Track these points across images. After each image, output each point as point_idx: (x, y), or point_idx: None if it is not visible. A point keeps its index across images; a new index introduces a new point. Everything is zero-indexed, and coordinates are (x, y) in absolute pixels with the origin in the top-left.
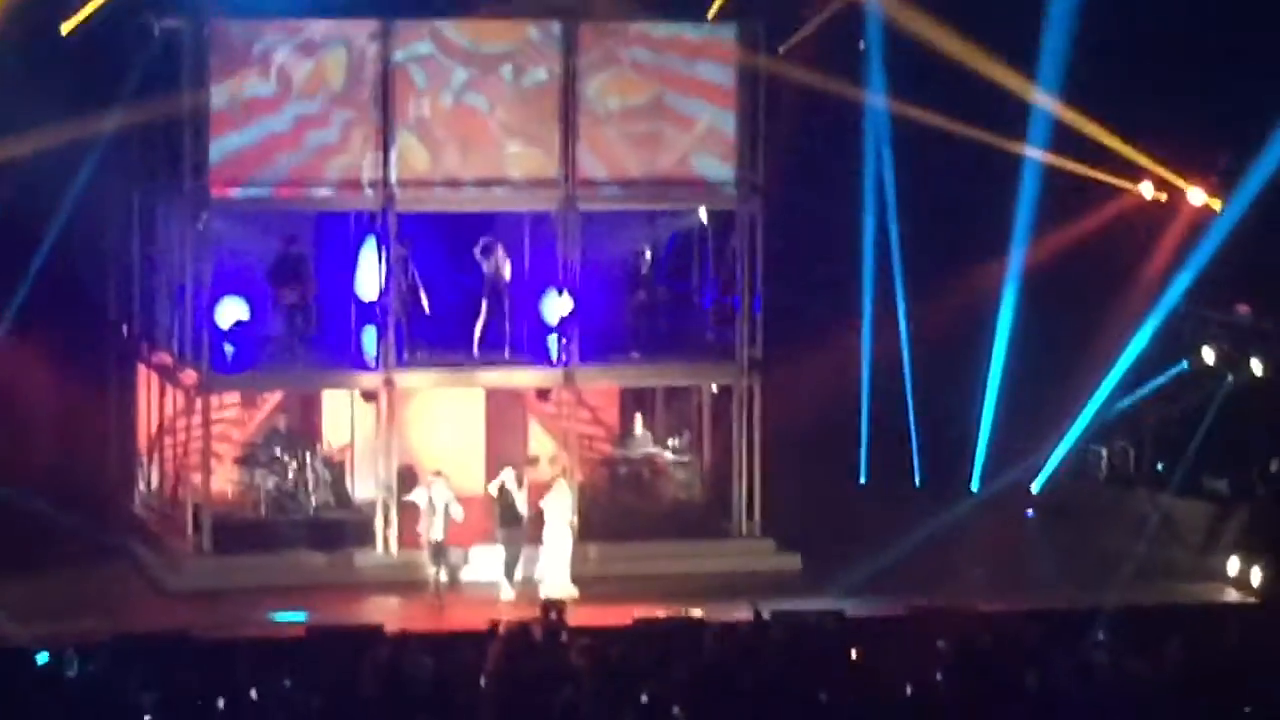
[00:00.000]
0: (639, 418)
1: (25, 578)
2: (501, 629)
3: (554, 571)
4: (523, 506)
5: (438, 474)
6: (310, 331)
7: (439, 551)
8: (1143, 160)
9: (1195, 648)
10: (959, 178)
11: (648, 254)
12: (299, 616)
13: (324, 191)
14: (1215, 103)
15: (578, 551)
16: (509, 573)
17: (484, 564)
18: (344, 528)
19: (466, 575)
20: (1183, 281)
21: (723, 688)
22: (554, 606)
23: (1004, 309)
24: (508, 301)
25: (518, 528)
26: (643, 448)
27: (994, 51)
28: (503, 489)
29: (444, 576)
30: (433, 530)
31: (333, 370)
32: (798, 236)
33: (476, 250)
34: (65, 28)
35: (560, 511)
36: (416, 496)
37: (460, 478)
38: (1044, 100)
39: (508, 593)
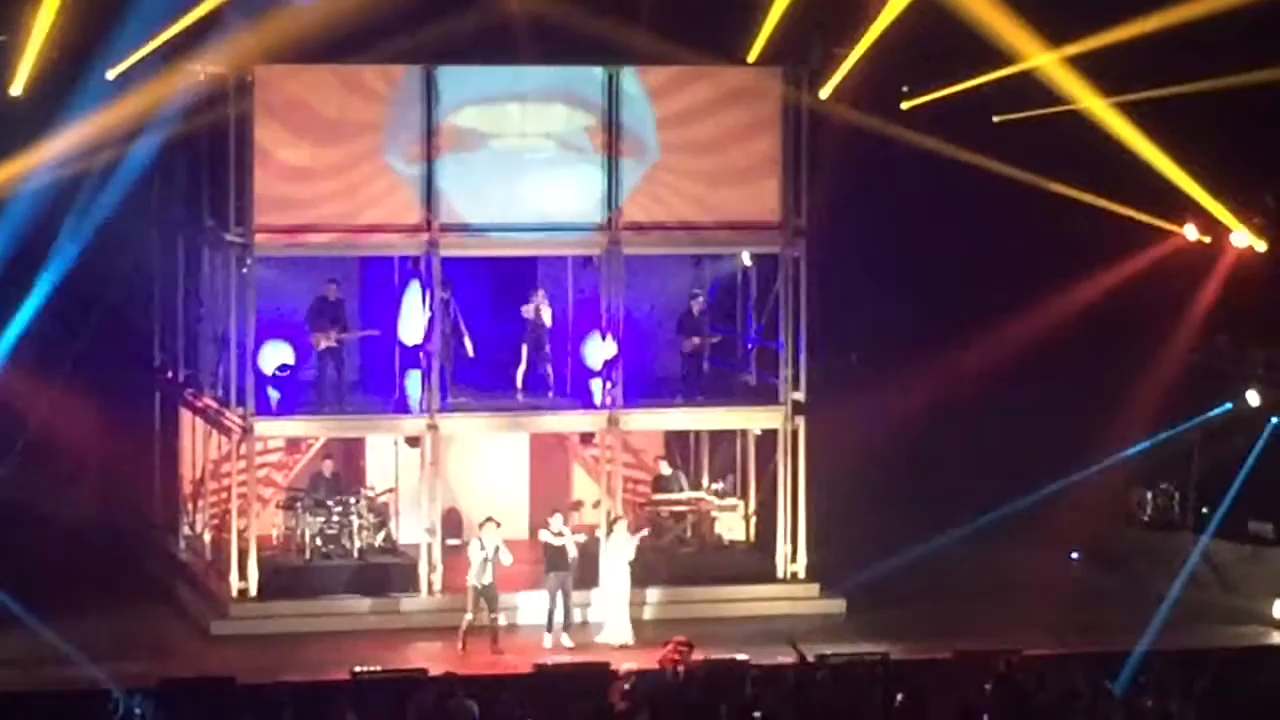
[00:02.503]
0: (663, 461)
1: (70, 621)
2: (623, 671)
3: (613, 616)
4: (572, 551)
5: (490, 520)
6: (342, 377)
7: (484, 596)
8: (1191, 198)
9: (1238, 690)
10: (1003, 219)
11: (701, 298)
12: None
13: (368, 237)
14: (1263, 143)
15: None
16: (551, 620)
17: (530, 609)
18: (388, 572)
19: (511, 620)
20: None
21: None
22: (686, 646)
23: (1047, 349)
24: (548, 346)
25: (565, 574)
26: (678, 490)
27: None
28: (552, 536)
29: (501, 620)
30: (481, 575)
31: (377, 415)
32: (841, 279)
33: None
34: (111, 73)
35: (620, 556)
36: (469, 545)
37: (505, 522)
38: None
39: (565, 640)
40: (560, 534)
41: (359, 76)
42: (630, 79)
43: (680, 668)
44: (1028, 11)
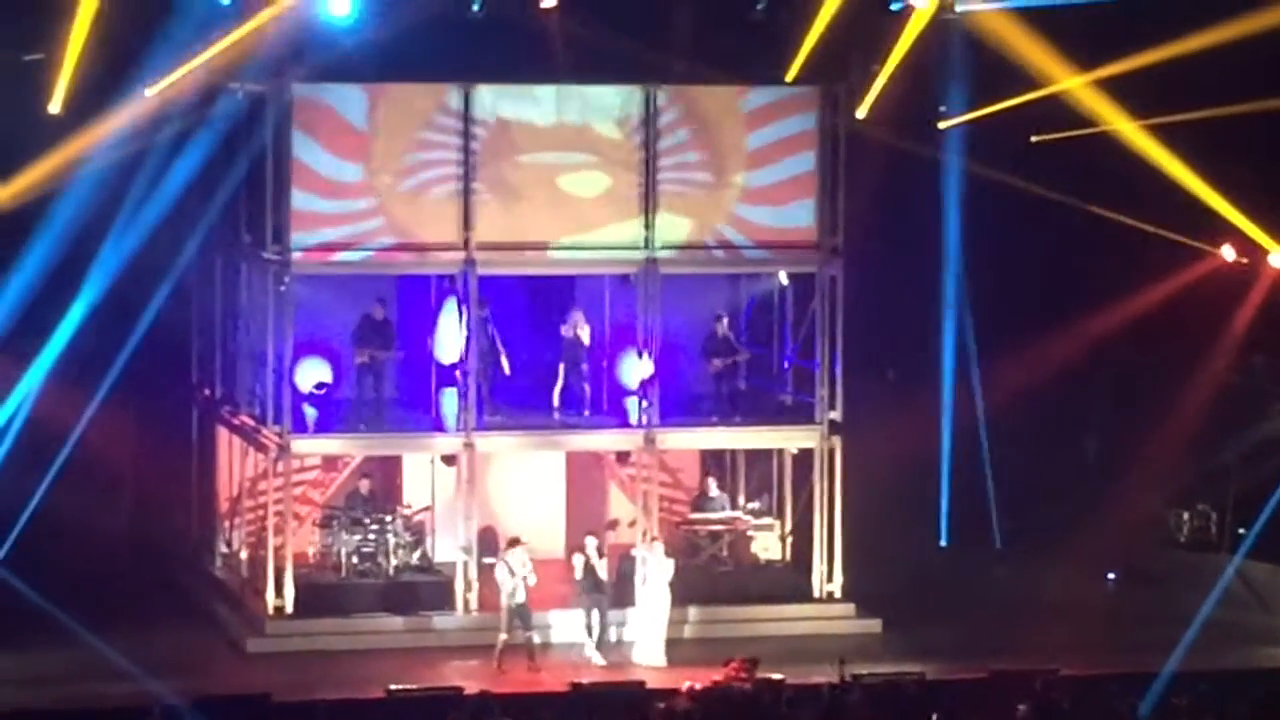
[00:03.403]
0: (712, 480)
1: (107, 638)
2: (694, 689)
3: (648, 638)
4: (603, 572)
5: (516, 540)
6: (377, 394)
7: (518, 615)
8: (1227, 219)
9: (1276, 713)
10: (1039, 238)
11: (725, 320)
12: None
13: (405, 255)
14: None
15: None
16: (590, 630)
17: (564, 628)
18: (424, 590)
19: (545, 639)
20: None
21: None
22: (750, 664)
23: (1084, 368)
24: (586, 365)
25: (600, 593)
26: (720, 510)
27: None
28: (586, 558)
29: (536, 639)
30: (513, 595)
31: (413, 433)
32: (878, 298)
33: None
34: (149, 91)
35: (660, 576)
36: (497, 568)
37: (540, 540)
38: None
39: (598, 658)
40: (591, 557)
41: (396, 94)
42: (666, 97)
43: (747, 686)
44: (1065, 34)
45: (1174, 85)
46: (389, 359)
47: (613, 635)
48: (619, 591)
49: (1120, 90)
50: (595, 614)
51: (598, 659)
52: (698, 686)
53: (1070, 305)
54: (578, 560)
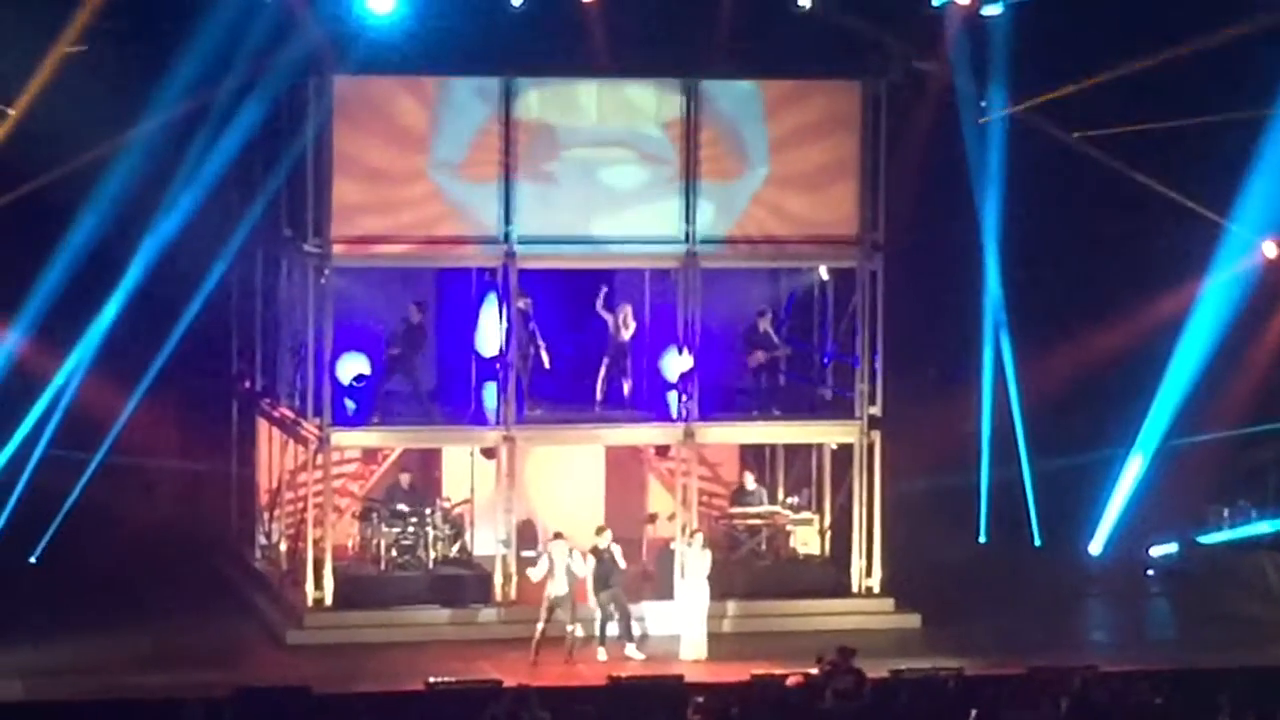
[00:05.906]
0: (748, 475)
1: (147, 629)
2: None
3: (690, 630)
4: (621, 560)
5: (559, 535)
6: (418, 388)
7: (558, 607)
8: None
9: None
10: (1081, 233)
11: (768, 314)
12: None
13: (445, 248)
14: None
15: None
16: (604, 634)
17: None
18: (463, 583)
19: (588, 631)
20: None
21: None
22: (847, 654)
23: (1126, 364)
24: (629, 359)
25: (616, 589)
26: (757, 504)
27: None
28: (598, 554)
29: (579, 632)
30: (555, 587)
31: (453, 426)
32: (918, 294)
33: (599, 302)
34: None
35: (699, 570)
36: (539, 561)
37: (579, 534)
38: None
39: (603, 654)
40: (603, 553)
41: (437, 88)
42: (705, 91)
43: (850, 677)
44: (1105, 26)
45: (1216, 79)
46: (417, 359)
47: (646, 629)
48: (657, 584)
49: (1163, 85)
50: (613, 609)
51: (635, 654)
52: (801, 679)
53: (1113, 299)
54: (589, 559)
